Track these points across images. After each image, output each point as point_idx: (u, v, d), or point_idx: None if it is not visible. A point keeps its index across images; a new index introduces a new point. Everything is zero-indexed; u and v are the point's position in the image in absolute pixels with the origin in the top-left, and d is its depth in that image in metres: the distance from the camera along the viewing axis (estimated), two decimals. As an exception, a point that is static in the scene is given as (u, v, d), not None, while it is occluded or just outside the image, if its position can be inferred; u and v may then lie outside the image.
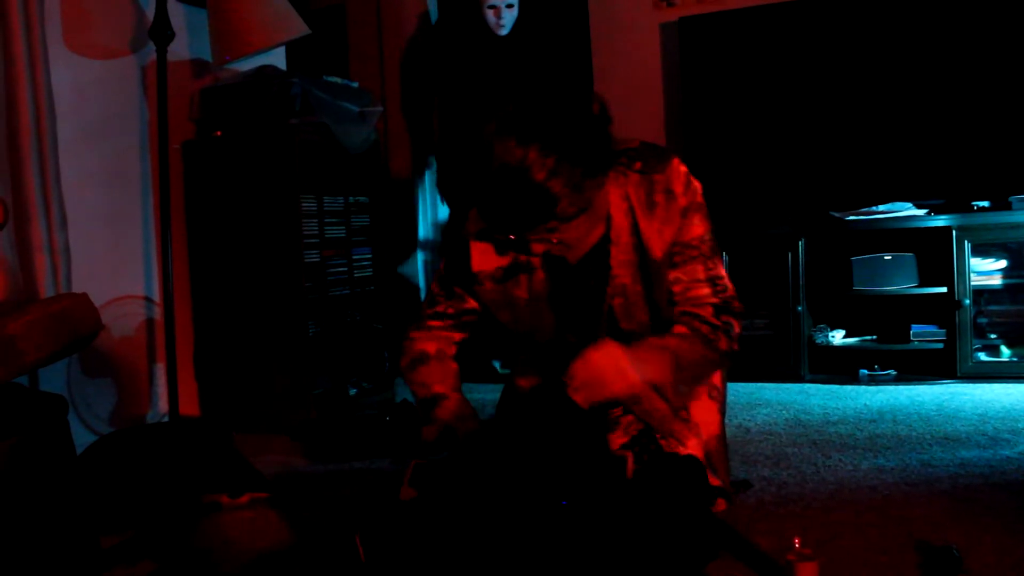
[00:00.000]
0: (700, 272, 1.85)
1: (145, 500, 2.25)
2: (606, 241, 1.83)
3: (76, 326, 1.69)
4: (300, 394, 3.09)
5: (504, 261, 1.92)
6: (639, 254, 1.85)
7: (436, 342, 2.05)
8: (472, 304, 2.02)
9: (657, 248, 1.83)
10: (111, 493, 2.26)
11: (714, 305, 1.85)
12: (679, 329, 1.83)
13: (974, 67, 3.85)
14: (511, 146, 1.59)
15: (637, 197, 1.81)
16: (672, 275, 1.86)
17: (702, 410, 1.97)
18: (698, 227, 1.85)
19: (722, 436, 2.02)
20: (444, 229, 4.52)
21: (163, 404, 3.14)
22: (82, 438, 2.59)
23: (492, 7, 3.76)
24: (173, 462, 2.40)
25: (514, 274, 1.92)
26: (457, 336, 2.07)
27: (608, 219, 1.82)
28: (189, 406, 3.22)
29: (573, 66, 3.57)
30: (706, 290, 1.86)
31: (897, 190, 3.92)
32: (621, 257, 1.85)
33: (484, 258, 1.93)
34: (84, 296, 1.83)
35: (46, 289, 2.64)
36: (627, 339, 1.83)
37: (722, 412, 2.03)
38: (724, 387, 2.05)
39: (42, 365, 1.67)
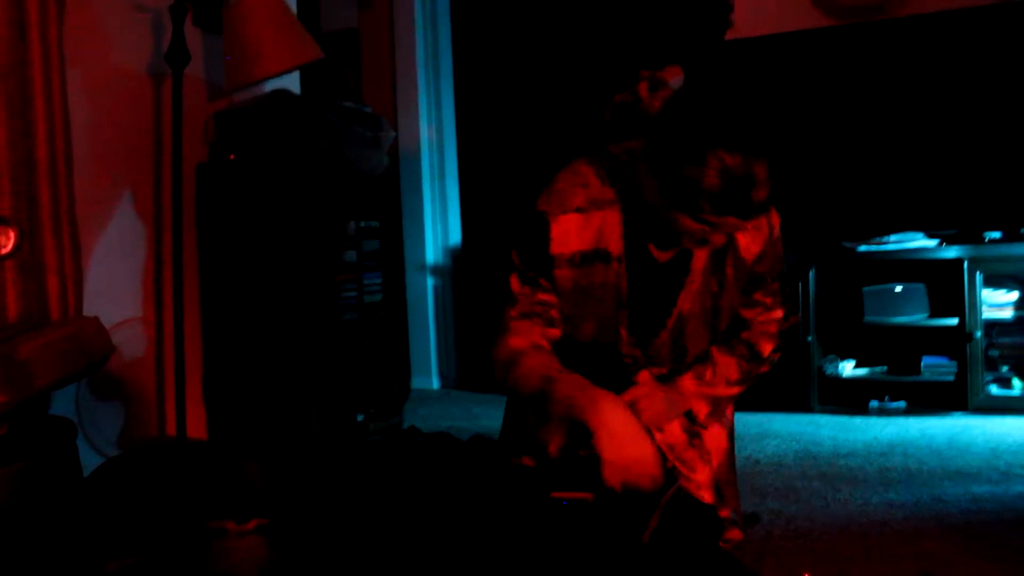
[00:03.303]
0: (779, 298, 1.97)
1: (151, 525, 2.25)
2: (703, 240, 1.78)
3: (87, 350, 1.69)
4: (308, 418, 3.08)
5: (584, 245, 1.82)
6: (719, 264, 1.88)
7: (526, 338, 1.85)
8: (555, 297, 1.86)
9: (744, 263, 1.89)
10: (117, 517, 2.25)
11: (774, 339, 1.98)
12: (725, 361, 1.95)
13: (987, 98, 3.86)
14: (738, 159, 1.58)
15: None
16: (757, 296, 1.95)
17: (712, 437, 1.99)
18: (781, 249, 1.94)
19: (731, 464, 2.04)
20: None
21: (171, 427, 3.13)
22: (90, 460, 2.59)
23: None
24: (180, 486, 2.40)
25: (592, 261, 1.83)
26: (550, 333, 1.87)
27: None
28: (197, 429, 3.21)
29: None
30: (778, 314, 1.98)
31: (908, 220, 3.92)
32: (702, 264, 1.87)
33: (564, 239, 1.82)
34: (95, 320, 1.84)
35: (57, 310, 2.64)
36: (679, 360, 1.93)
37: (731, 439, 2.07)
38: (732, 415, 2.10)
39: (53, 389, 1.67)
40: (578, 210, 1.81)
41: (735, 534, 1.97)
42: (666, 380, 1.94)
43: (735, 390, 1.98)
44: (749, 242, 1.88)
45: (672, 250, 1.83)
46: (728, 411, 2.07)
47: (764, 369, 2.00)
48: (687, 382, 1.94)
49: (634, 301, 1.86)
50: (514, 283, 1.87)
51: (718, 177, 1.58)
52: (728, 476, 2.02)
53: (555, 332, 1.86)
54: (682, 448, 1.92)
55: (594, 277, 1.83)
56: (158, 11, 3.12)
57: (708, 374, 1.95)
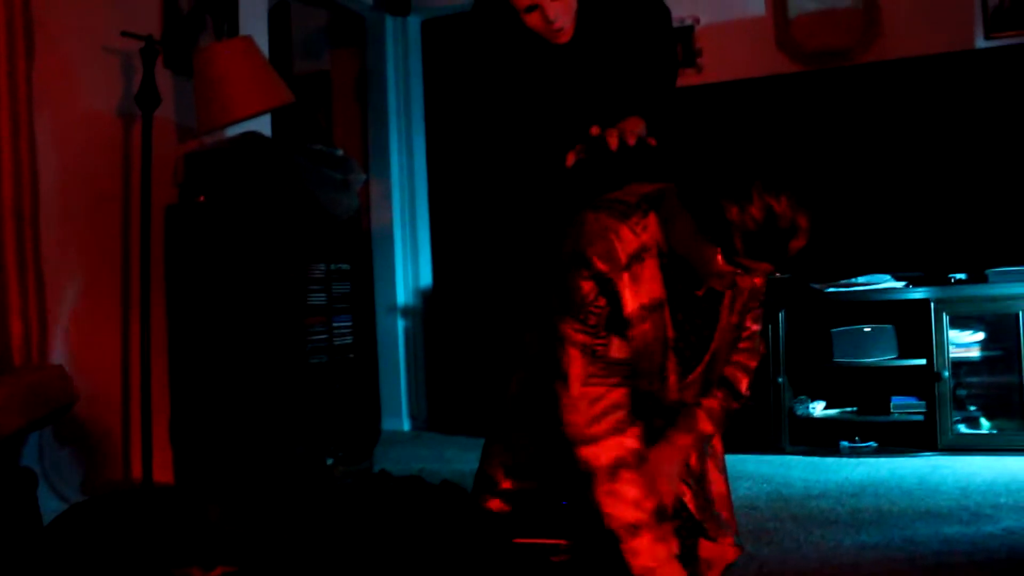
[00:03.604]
0: (759, 323, 2.02)
1: (114, 573, 2.19)
2: (732, 283, 1.81)
3: (50, 399, 1.66)
4: (277, 462, 3.04)
5: (640, 300, 1.82)
6: (738, 297, 1.92)
7: (626, 435, 1.83)
8: (626, 352, 1.84)
9: (757, 294, 1.96)
10: (78, 566, 2.20)
11: (748, 372, 2.03)
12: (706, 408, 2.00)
13: (950, 142, 3.93)
14: (784, 203, 1.59)
15: None
16: (747, 321, 2.00)
17: (715, 484, 2.12)
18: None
19: (729, 497, 2.17)
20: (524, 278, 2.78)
21: (137, 471, 3.08)
22: (53, 506, 2.53)
23: (533, 8, 2.27)
24: (144, 532, 2.35)
25: (647, 314, 1.84)
26: (623, 396, 1.86)
27: None
28: (163, 473, 3.16)
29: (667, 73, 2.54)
30: (754, 343, 2.03)
31: (875, 262, 3.96)
32: (728, 300, 1.91)
33: (631, 298, 1.81)
34: (60, 368, 1.81)
35: (21, 354, 2.60)
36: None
37: (723, 472, 2.17)
38: (723, 455, 2.20)
39: (13, 438, 1.63)
40: (625, 268, 1.80)
41: (732, 554, 2.07)
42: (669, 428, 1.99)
43: (719, 430, 2.06)
44: (761, 282, 1.94)
45: (702, 288, 1.84)
46: (719, 451, 2.18)
47: (737, 406, 2.04)
48: (681, 438, 1.96)
49: (677, 345, 1.89)
50: (575, 349, 1.82)
51: (761, 220, 1.56)
52: (727, 507, 2.13)
53: (626, 390, 1.86)
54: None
55: (651, 329, 1.84)
56: (128, 53, 3.12)
57: (697, 422, 2.00)
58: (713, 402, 2.01)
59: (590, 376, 1.82)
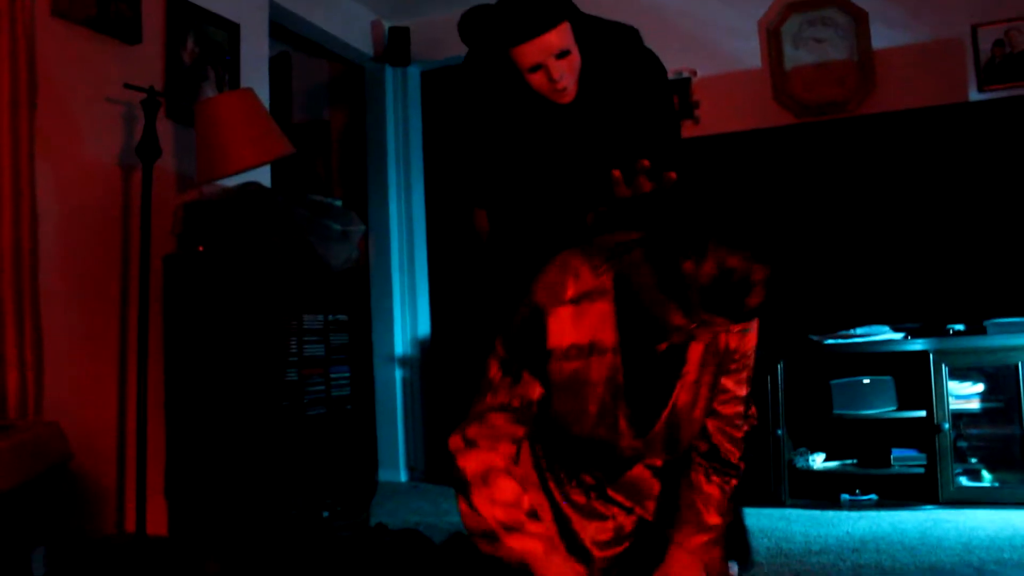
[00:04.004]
0: (744, 387, 1.94)
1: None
2: (690, 336, 1.80)
3: (44, 457, 1.64)
4: (274, 515, 3.00)
5: (579, 338, 1.80)
6: (712, 354, 1.88)
7: (500, 451, 1.82)
8: (539, 391, 1.83)
9: (731, 356, 1.90)
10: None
11: (735, 441, 1.95)
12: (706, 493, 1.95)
13: (947, 193, 3.95)
14: (738, 259, 1.58)
15: None
16: (722, 381, 1.92)
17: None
18: (755, 337, 1.92)
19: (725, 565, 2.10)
20: (494, 305, 2.77)
21: (131, 523, 3.04)
22: (44, 559, 2.49)
23: (537, 68, 2.23)
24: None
25: (587, 355, 1.81)
26: (520, 432, 1.85)
27: None
28: (157, 525, 3.12)
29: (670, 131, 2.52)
30: (740, 408, 1.95)
31: (873, 313, 3.96)
32: (698, 355, 1.87)
33: (560, 332, 1.79)
34: (55, 426, 1.79)
35: (16, 406, 2.58)
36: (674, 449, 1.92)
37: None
38: None
39: (4, 497, 1.61)
40: (571, 301, 1.79)
41: None
42: (663, 525, 1.96)
43: (727, 517, 2.00)
44: (737, 342, 1.90)
45: (665, 342, 1.82)
46: None
47: (736, 482, 1.99)
48: (692, 538, 1.93)
49: (631, 393, 1.85)
50: (493, 370, 1.85)
51: (715, 274, 1.57)
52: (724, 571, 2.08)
53: (524, 429, 1.84)
54: None
55: (590, 371, 1.81)
56: (131, 104, 3.14)
57: (704, 516, 1.94)
58: (712, 488, 1.95)
59: (495, 401, 1.83)
